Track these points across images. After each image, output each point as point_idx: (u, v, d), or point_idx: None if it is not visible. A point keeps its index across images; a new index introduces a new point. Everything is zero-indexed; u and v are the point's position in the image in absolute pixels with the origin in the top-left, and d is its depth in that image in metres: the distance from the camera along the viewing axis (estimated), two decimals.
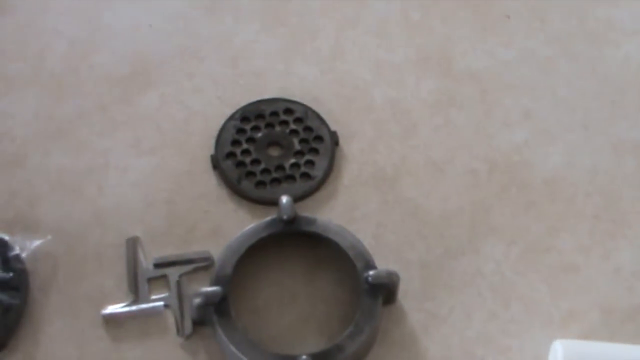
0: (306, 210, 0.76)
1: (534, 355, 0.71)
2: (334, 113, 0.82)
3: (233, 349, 0.66)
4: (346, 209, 0.77)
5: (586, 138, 0.82)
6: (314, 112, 0.80)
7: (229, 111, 0.81)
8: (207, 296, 0.67)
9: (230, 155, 0.78)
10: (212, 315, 0.68)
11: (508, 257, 0.76)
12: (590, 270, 0.75)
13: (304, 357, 0.65)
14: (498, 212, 0.78)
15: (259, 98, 0.82)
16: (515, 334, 0.72)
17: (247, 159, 0.78)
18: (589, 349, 0.67)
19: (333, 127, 0.80)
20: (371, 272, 0.69)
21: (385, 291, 0.69)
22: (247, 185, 0.77)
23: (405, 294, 0.73)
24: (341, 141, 0.80)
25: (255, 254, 0.73)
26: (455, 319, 0.73)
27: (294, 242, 0.74)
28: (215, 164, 0.78)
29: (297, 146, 0.79)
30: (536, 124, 0.82)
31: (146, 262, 0.74)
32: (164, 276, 0.73)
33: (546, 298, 0.74)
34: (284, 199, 0.71)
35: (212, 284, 0.69)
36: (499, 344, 0.72)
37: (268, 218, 0.72)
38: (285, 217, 0.71)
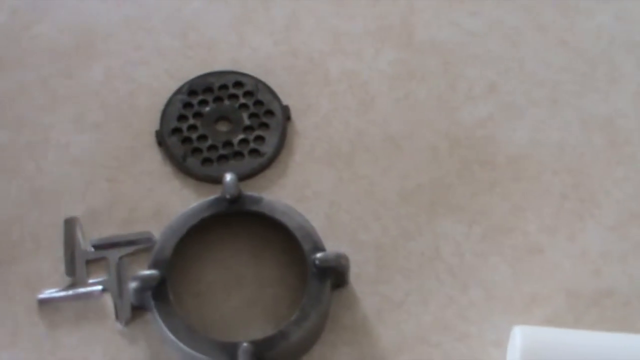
0: (255, 188, 0.72)
1: (493, 342, 0.67)
2: (287, 86, 0.77)
3: (170, 335, 0.62)
4: (297, 187, 0.73)
5: (554, 113, 0.78)
6: (265, 85, 0.76)
7: (176, 85, 0.77)
8: (144, 280, 0.64)
9: (176, 130, 0.74)
10: (150, 300, 0.64)
11: (469, 238, 0.72)
12: (555, 252, 0.71)
13: (245, 344, 0.62)
14: (459, 190, 0.74)
15: (208, 71, 0.77)
16: (474, 319, 0.68)
17: (194, 135, 0.74)
18: (550, 336, 0.63)
19: (286, 101, 0.76)
20: (318, 255, 0.65)
21: (334, 275, 0.65)
22: (193, 162, 0.73)
23: (358, 277, 0.69)
24: (294, 116, 0.76)
25: (198, 234, 0.69)
26: (411, 303, 0.69)
27: (240, 222, 0.70)
28: (160, 140, 0.74)
29: (247, 121, 0.74)
30: (501, 98, 0.78)
31: (85, 244, 0.70)
32: (104, 259, 0.69)
33: (508, 282, 0.70)
34: (228, 177, 0.67)
35: (150, 267, 0.65)
36: (457, 330, 0.68)
37: (211, 197, 0.68)
38: (228, 196, 0.67)
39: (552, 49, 0.80)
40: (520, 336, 0.63)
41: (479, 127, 0.76)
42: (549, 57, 0.80)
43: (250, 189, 0.72)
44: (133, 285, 0.64)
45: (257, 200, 0.67)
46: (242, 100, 0.75)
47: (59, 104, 0.76)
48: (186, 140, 0.74)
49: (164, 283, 0.64)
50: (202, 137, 0.74)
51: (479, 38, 0.81)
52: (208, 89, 0.76)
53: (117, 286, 0.68)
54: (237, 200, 0.67)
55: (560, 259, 0.71)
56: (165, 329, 0.63)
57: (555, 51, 0.80)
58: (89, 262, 0.69)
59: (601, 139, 0.76)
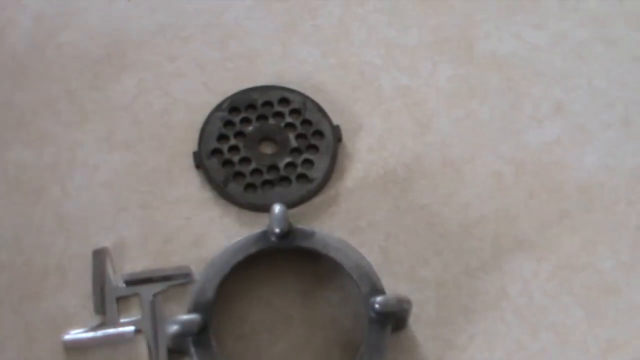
0: (303, 218, 0.66)
1: None
2: (337, 104, 0.70)
3: None
4: (350, 217, 0.66)
5: (627, 135, 0.71)
6: (313, 102, 0.69)
7: (215, 100, 0.70)
8: (184, 325, 0.57)
9: (216, 152, 0.67)
10: (190, 346, 0.57)
11: (538, 275, 0.65)
12: (633, 291, 0.65)
13: None
14: (526, 222, 0.67)
15: (250, 85, 0.71)
16: None
17: (236, 157, 0.67)
18: None
19: (336, 121, 0.69)
20: (378, 299, 0.58)
21: (394, 319, 0.59)
22: (235, 187, 0.66)
23: (418, 319, 0.63)
24: (345, 137, 0.69)
25: (243, 271, 0.63)
26: (476, 349, 0.62)
27: (289, 257, 0.63)
28: (199, 162, 0.67)
29: (294, 142, 0.68)
30: (569, 119, 0.71)
31: (116, 278, 0.63)
32: (136, 295, 0.63)
33: (582, 325, 0.63)
34: (277, 209, 0.60)
35: (190, 310, 0.59)
36: None
37: (258, 231, 0.61)
38: (277, 230, 0.60)
39: (624, 65, 0.74)
40: None
41: (545, 151, 0.70)
42: (620, 74, 0.73)
43: (298, 218, 0.65)
44: (172, 330, 0.57)
45: (309, 235, 0.61)
46: (289, 119, 0.69)
47: (87, 120, 0.70)
48: (227, 163, 0.67)
49: (205, 328, 0.58)
50: (245, 160, 0.67)
51: (543, 53, 0.74)
52: (251, 106, 0.69)
53: (151, 327, 0.61)
54: (286, 235, 0.60)
55: (638, 299, 0.65)
56: None
57: (627, 67, 0.74)
58: (120, 299, 0.63)
59: None
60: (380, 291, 0.59)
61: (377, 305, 0.58)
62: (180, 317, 0.58)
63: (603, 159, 0.70)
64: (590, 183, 0.69)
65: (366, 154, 0.69)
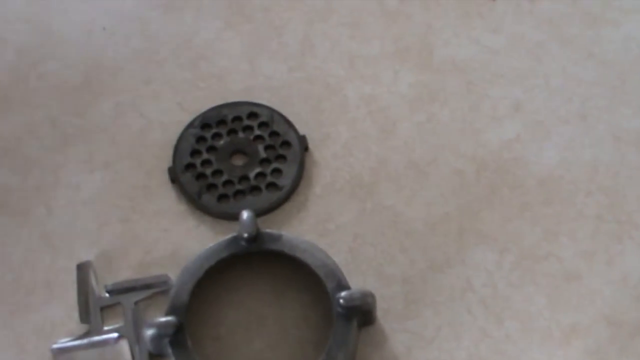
0: (274, 223, 0.69)
1: None
2: (304, 115, 0.74)
3: None
4: (319, 221, 0.69)
5: (584, 130, 0.74)
6: (280, 115, 0.73)
7: (188, 118, 0.74)
8: (160, 327, 0.60)
9: (190, 166, 0.71)
10: (168, 347, 0.61)
11: (501, 267, 0.68)
12: (593, 278, 0.67)
13: None
14: (488, 217, 0.70)
15: (221, 102, 0.74)
16: (510, 354, 0.65)
17: (208, 170, 0.71)
18: None
19: (302, 131, 0.73)
20: (343, 294, 0.61)
21: (360, 314, 0.62)
22: (209, 199, 0.70)
23: (386, 314, 0.66)
24: (312, 146, 0.73)
25: (216, 275, 0.66)
26: (443, 339, 0.65)
27: (260, 261, 0.66)
28: (174, 177, 0.71)
29: (263, 154, 0.71)
30: (528, 117, 0.74)
31: (99, 289, 0.67)
32: (119, 304, 0.66)
33: (545, 312, 0.66)
34: (245, 215, 0.64)
35: (167, 313, 0.62)
36: None
37: (228, 236, 0.65)
38: (246, 234, 0.63)
39: (579, 63, 0.77)
40: None
41: (506, 148, 0.73)
42: (576, 72, 0.76)
43: (269, 224, 0.69)
44: (149, 332, 0.61)
45: (276, 238, 0.64)
46: (257, 131, 0.72)
47: (68, 143, 0.74)
48: (200, 176, 0.71)
49: (181, 329, 0.61)
50: (217, 173, 0.71)
51: (501, 55, 0.77)
52: (221, 122, 0.73)
53: (133, 333, 0.65)
54: (255, 239, 0.64)
55: (599, 285, 0.67)
56: None
57: (583, 65, 0.77)
58: (103, 308, 0.66)
59: (636, 155, 0.72)
60: (345, 287, 0.62)
61: (342, 300, 0.61)
62: (157, 319, 0.61)
63: (561, 153, 0.73)
64: (549, 177, 0.72)
65: (333, 161, 0.72)
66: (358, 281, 0.67)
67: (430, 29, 0.78)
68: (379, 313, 0.66)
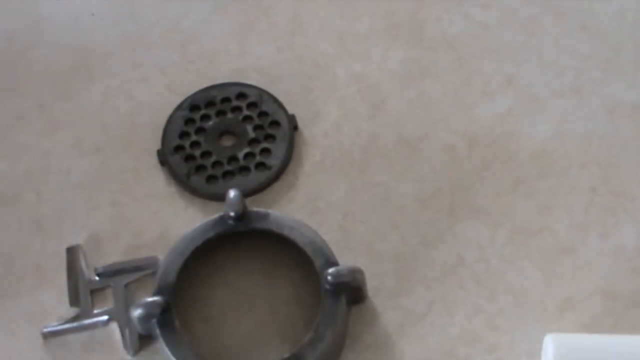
0: (264, 203, 0.69)
1: (525, 352, 0.63)
2: (294, 94, 0.73)
3: None
4: (308, 200, 0.69)
5: (578, 103, 0.73)
6: (269, 95, 0.72)
7: (177, 101, 0.73)
8: (147, 307, 0.60)
9: (179, 148, 0.71)
10: (155, 327, 0.60)
11: (494, 242, 0.67)
12: (588, 251, 0.67)
13: None
14: (481, 191, 0.69)
15: (210, 84, 0.74)
16: (504, 329, 0.64)
17: (197, 152, 0.70)
18: (585, 343, 0.59)
19: (292, 110, 0.72)
20: (330, 270, 0.61)
21: (349, 290, 0.61)
22: (198, 180, 0.69)
23: (378, 291, 0.65)
24: (302, 125, 0.72)
25: (205, 256, 0.66)
26: (435, 315, 0.64)
27: (248, 240, 0.66)
28: (162, 159, 0.70)
29: (252, 134, 0.71)
30: (521, 91, 0.73)
31: (89, 272, 0.67)
32: (109, 287, 0.66)
33: (539, 286, 0.65)
34: (231, 193, 0.63)
35: (154, 294, 0.62)
36: (486, 341, 0.63)
37: (215, 216, 0.64)
38: (232, 213, 0.63)
39: (572, 36, 0.76)
40: (553, 345, 0.58)
41: (498, 123, 0.72)
42: (569, 45, 0.75)
43: (259, 205, 0.68)
44: (136, 313, 0.60)
45: (264, 216, 0.64)
46: (246, 112, 0.72)
47: (58, 128, 0.73)
48: (189, 157, 0.70)
49: (169, 309, 0.61)
50: (206, 154, 0.70)
51: (493, 30, 0.76)
52: (210, 103, 0.72)
53: (123, 315, 0.64)
54: (242, 217, 0.63)
55: (594, 258, 0.66)
56: (172, 357, 0.59)
57: (576, 38, 0.76)
58: (93, 292, 0.66)
59: (630, 127, 0.71)
60: (334, 264, 0.62)
61: (329, 277, 0.60)
62: (144, 299, 0.61)
63: (555, 127, 0.72)
64: (543, 150, 0.71)
65: (322, 139, 0.72)
66: (349, 259, 0.66)
67: (421, 5, 0.77)
68: (370, 291, 0.65)
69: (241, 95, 0.72)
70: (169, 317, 0.60)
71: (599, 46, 0.75)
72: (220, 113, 0.72)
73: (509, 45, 0.76)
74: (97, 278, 0.66)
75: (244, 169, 0.69)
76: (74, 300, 0.65)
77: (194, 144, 0.71)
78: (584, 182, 0.69)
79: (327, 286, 0.61)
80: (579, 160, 0.70)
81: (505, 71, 0.74)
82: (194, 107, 0.72)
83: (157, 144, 0.72)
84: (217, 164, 0.70)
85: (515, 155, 0.71)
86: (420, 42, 0.76)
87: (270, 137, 0.71)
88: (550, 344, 0.58)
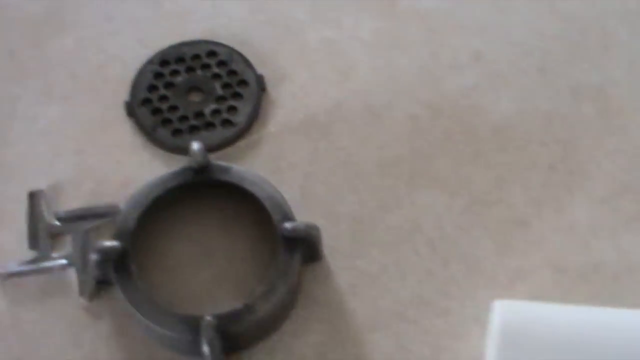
0: (227, 159, 0.69)
1: (474, 317, 0.64)
2: (263, 56, 0.74)
3: (131, 308, 0.60)
4: (271, 158, 0.70)
5: (542, 82, 0.74)
6: (239, 54, 0.73)
7: (149, 55, 0.74)
8: (104, 251, 0.61)
9: (146, 101, 0.71)
10: (112, 272, 0.61)
11: (450, 210, 0.68)
12: (542, 225, 0.68)
13: (209, 317, 0.59)
14: (441, 162, 0.70)
15: (182, 40, 0.75)
16: (454, 295, 0.65)
17: (164, 106, 0.71)
18: (531, 310, 0.60)
19: (261, 71, 0.73)
20: (287, 224, 0.62)
21: (304, 246, 0.62)
22: (163, 133, 0.70)
23: (333, 251, 0.66)
24: (270, 86, 0.73)
25: (166, 206, 0.66)
26: (388, 278, 0.66)
27: (209, 193, 0.67)
28: (130, 111, 0.71)
29: (220, 91, 0.71)
30: (487, 67, 0.75)
31: (50, 217, 0.67)
32: (69, 232, 0.67)
33: (491, 255, 0.67)
34: (195, 145, 0.64)
35: (113, 239, 0.62)
36: (436, 306, 0.65)
37: (178, 167, 0.65)
38: (195, 164, 0.64)
39: (542, 17, 0.77)
40: (499, 311, 0.60)
41: (463, 96, 0.73)
42: (538, 25, 0.77)
43: (222, 160, 0.69)
44: (93, 257, 0.61)
45: (226, 170, 0.65)
46: (215, 70, 0.72)
47: (26, 75, 0.74)
48: (156, 111, 0.71)
49: (126, 255, 0.61)
50: (173, 108, 0.71)
51: (464, 5, 0.77)
52: (180, 59, 0.73)
53: (82, 261, 0.65)
54: (204, 169, 0.64)
55: (546, 232, 0.68)
56: (127, 302, 0.60)
57: (547, 19, 0.77)
58: (54, 236, 0.67)
59: (592, 109, 0.73)
60: (291, 219, 0.63)
61: (285, 232, 0.61)
62: (102, 243, 0.61)
63: (518, 104, 0.73)
64: (505, 125, 0.72)
65: (289, 101, 0.72)
66: (307, 218, 0.67)
67: None
68: (327, 251, 0.66)
69: (212, 53, 0.73)
70: (125, 263, 0.61)
71: (568, 29, 0.76)
72: (190, 69, 0.73)
73: (480, 22, 0.77)
74: (57, 223, 0.67)
75: (210, 125, 0.70)
76: (33, 242, 0.66)
77: (162, 98, 0.71)
78: (543, 159, 0.71)
79: (283, 240, 0.62)
80: (540, 137, 0.72)
81: (474, 47, 0.75)
82: (164, 62, 0.73)
83: (125, 96, 0.72)
84: (183, 118, 0.70)
85: (478, 128, 0.72)
86: (393, 13, 0.77)
87: (237, 96, 0.71)
88: (498, 310, 0.60)
